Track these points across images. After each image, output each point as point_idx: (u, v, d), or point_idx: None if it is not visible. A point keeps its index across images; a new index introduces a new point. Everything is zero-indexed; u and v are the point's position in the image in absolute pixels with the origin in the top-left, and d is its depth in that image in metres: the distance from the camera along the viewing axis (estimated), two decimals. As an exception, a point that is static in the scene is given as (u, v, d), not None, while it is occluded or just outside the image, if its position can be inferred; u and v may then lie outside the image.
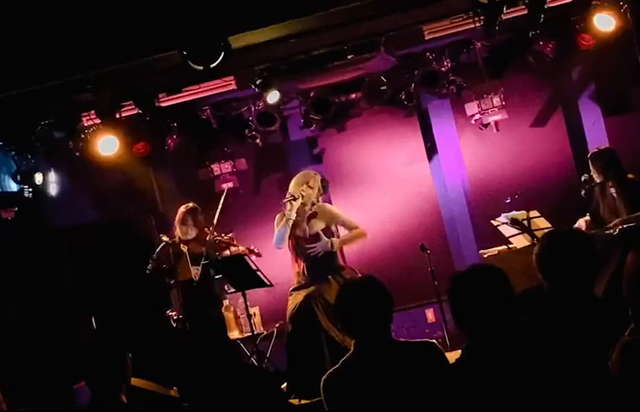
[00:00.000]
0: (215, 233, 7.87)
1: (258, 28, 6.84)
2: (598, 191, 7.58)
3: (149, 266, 7.86)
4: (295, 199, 7.12)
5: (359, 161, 9.42)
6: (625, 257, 6.44)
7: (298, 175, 7.38)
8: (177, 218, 8.01)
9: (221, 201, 8.08)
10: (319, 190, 7.29)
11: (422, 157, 9.39)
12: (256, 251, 7.94)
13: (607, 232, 7.18)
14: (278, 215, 7.26)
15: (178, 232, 7.99)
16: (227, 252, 7.99)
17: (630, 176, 7.50)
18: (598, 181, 7.56)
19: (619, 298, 3.39)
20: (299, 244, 7.20)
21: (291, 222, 7.09)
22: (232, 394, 3.82)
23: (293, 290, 7.19)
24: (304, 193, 7.17)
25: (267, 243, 7.82)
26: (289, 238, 7.17)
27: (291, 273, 7.37)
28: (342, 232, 7.41)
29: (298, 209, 7.15)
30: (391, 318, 3.79)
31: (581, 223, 7.57)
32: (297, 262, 7.26)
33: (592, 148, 7.91)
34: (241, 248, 7.95)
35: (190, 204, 8.09)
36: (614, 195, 7.46)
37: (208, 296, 8.16)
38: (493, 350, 3.34)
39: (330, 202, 9.19)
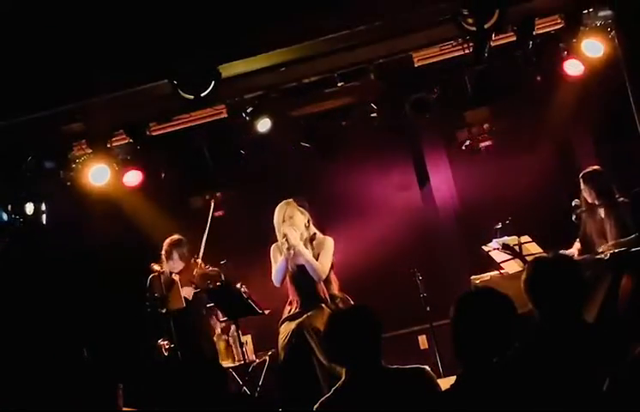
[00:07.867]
0: (202, 265, 7.88)
1: (248, 57, 6.87)
2: (586, 215, 7.61)
3: (148, 303, 7.88)
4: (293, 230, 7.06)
5: (350, 187, 9.42)
6: (617, 282, 6.44)
7: (280, 212, 7.24)
8: (162, 252, 8.03)
9: (206, 230, 8.10)
10: (301, 212, 7.22)
11: (413, 183, 9.40)
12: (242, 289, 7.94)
13: (598, 257, 7.19)
14: (273, 247, 7.19)
15: (165, 267, 7.98)
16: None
17: (620, 198, 7.54)
18: (589, 201, 7.58)
19: (612, 323, 3.39)
20: (298, 272, 7.13)
21: (292, 252, 7.01)
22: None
23: (284, 321, 7.13)
24: (294, 225, 7.10)
25: (261, 271, 7.80)
26: (289, 267, 7.10)
27: (283, 301, 7.33)
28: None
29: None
30: (381, 346, 3.78)
31: (572, 251, 7.58)
32: (293, 291, 7.20)
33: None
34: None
35: (175, 237, 8.09)
36: (603, 217, 7.50)
37: (200, 325, 8.15)
38: (487, 377, 3.32)
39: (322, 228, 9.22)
